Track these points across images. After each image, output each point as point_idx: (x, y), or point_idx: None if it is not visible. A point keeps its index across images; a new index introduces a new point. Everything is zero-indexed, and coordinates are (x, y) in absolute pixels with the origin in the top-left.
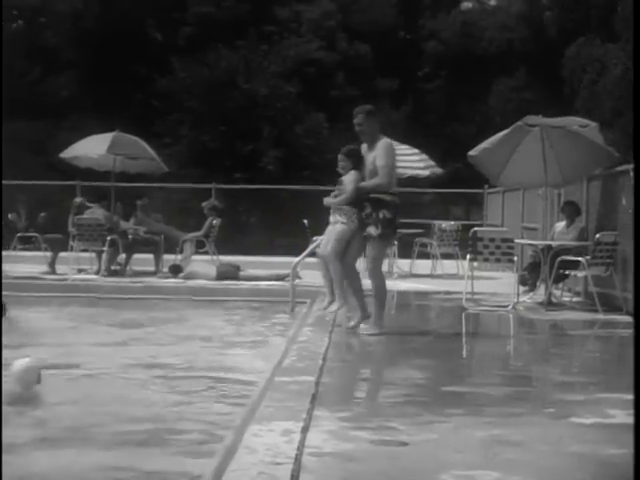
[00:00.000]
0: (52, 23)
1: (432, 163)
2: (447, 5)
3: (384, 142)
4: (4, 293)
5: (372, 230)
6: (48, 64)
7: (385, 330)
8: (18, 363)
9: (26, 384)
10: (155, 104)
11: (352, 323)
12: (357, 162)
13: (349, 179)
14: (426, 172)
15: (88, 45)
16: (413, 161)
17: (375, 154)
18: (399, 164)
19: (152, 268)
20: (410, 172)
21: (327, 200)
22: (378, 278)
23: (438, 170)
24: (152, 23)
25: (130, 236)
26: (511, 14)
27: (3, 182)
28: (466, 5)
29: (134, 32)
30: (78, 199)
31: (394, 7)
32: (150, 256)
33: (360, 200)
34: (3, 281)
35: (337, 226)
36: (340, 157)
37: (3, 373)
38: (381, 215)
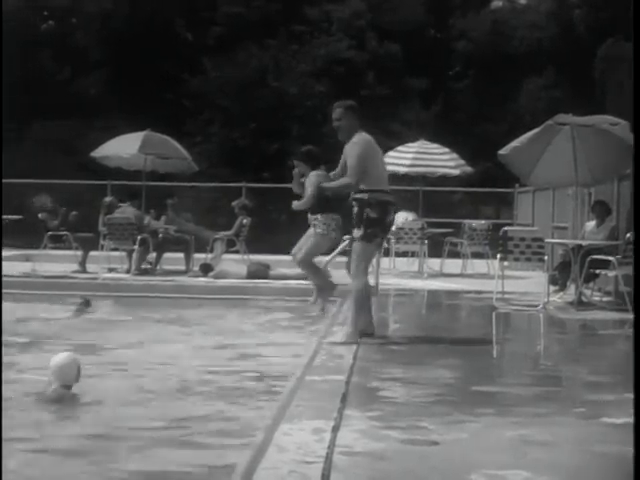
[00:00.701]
0: (82, 23)
1: (462, 162)
2: (477, 4)
3: (357, 138)
4: (35, 292)
5: (355, 232)
6: (78, 64)
7: (357, 340)
8: (56, 359)
9: (64, 380)
10: (185, 103)
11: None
12: (315, 163)
13: (309, 182)
14: (456, 171)
15: (118, 45)
16: (443, 160)
17: (348, 152)
18: (430, 163)
19: (183, 267)
20: (441, 171)
21: (294, 204)
22: (358, 279)
23: (468, 169)
24: (182, 23)
25: (160, 235)
26: (541, 12)
27: (34, 181)
28: (496, 4)
29: (164, 32)
30: (108, 198)
31: (424, 6)
32: (181, 255)
33: (323, 201)
34: (34, 280)
35: (314, 233)
36: (296, 162)
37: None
38: (364, 215)
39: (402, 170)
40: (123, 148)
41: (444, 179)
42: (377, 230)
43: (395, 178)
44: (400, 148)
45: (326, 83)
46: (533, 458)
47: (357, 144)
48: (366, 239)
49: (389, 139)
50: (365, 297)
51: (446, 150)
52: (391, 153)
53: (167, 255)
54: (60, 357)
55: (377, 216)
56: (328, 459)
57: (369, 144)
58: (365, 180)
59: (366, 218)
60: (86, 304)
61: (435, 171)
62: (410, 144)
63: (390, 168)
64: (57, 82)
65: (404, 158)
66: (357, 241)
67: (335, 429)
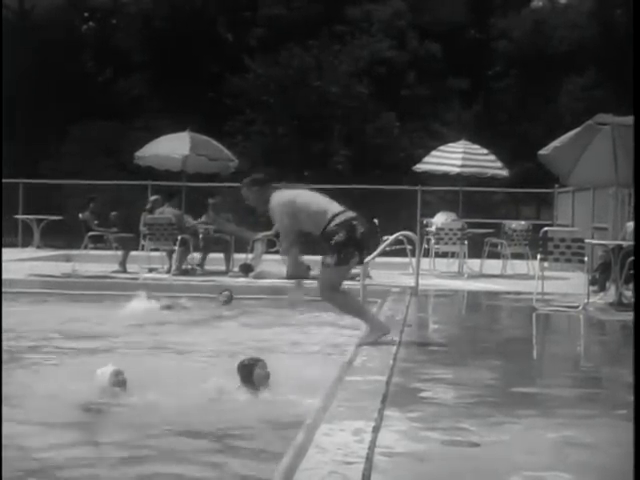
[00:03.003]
0: (123, 24)
1: (501, 164)
2: (517, 4)
3: (272, 203)
4: (75, 292)
5: (327, 260)
6: (119, 65)
7: (386, 330)
8: (100, 371)
9: (109, 391)
10: (227, 102)
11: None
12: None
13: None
14: (504, 172)
15: (158, 45)
16: (491, 161)
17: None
18: (480, 163)
19: (222, 267)
20: (491, 172)
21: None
22: (337, 297)
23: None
24: (223, 23)
25: (201, 236)
26: (582, 12)
27: (79, 182)
28: (536, 4)
29: (204, 32)
30: (153, 197)
31: (465, 6)
32: (221, 255)
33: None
34: (75, 280)
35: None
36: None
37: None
38: (333, 243)
39: (454, 170)
40: (172, 149)
41: (483, 179)
42: (350, 249)
43: (436, 178)
44: (443, 148)
45: (367, 83)
46: (575, 460)
47: (273, 209)
48: (342, 263)
49: (431, 139)
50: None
51: (486, 151)
52: (435, 153)
53: (209, 256)
54: (103, 370)
55: (345, 237)
56: (369, 460)
57: (285, 203)
58: (313, 224)
59: (335, 244)
60: (230, 297)
61: (485, 172)
62: (452, 144)
63: (440, 168)
64: (98, 83)
65: (454, 158)
66: (331, 267)
67: (375, 430)
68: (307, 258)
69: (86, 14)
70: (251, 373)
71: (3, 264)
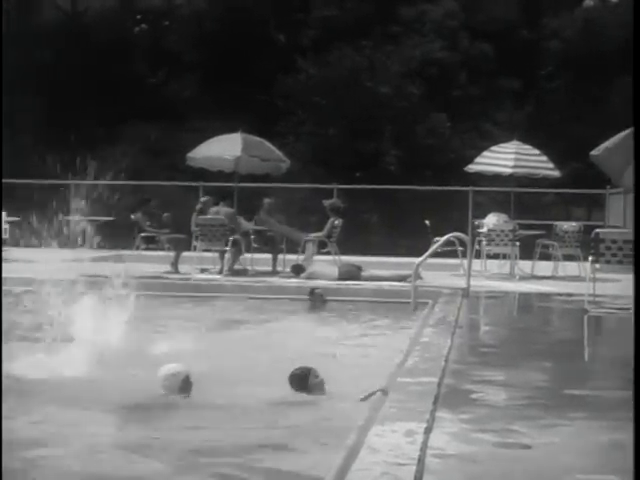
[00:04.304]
0: (175, 26)
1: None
2: (569, 3)
3: None
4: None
5: None
6: (171, 66)
7: None
8: (165, 368)
9: (169, 390)
10: (278, 103)
11: None
12: None
13: None
14: (556, 173)
15: (211, 47)
16: (543, 162)
17: None
18: (532, 164)
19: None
20: (543, 173)
21: None
22: None
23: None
24: (275, 25)
25: (252, 236)
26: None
27: (131, 183)
28: (588, 3)
29: (256, 33)
30: (204, 198)
31: (516, 6)
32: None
33: None
34: (124, 280)
35: None
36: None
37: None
38: None
39: (507, 171)
40: (225, 150)
41: (534, 180)
42: None
43: (486, 179)
44: (495, 148)
45: (419, 84)
46: (626, 464)
47: None
48: None
49: (482, 139)
50: None
51: (538, 152)
52: (486, 153)
53: (259, 256)
54: (166, 368)
55: None
56: (420, 461)
57: None
58: None
59: None
60: (322, 298)
61: (538, 172)
62: (504, 144)
63: (492, 169)
64: (150, 84)
65: (506, 159)
66: None
67: (427, 431)
68: (358, 259)
69: (138, 16)
70: (305, 383)
71: (56, 264)
